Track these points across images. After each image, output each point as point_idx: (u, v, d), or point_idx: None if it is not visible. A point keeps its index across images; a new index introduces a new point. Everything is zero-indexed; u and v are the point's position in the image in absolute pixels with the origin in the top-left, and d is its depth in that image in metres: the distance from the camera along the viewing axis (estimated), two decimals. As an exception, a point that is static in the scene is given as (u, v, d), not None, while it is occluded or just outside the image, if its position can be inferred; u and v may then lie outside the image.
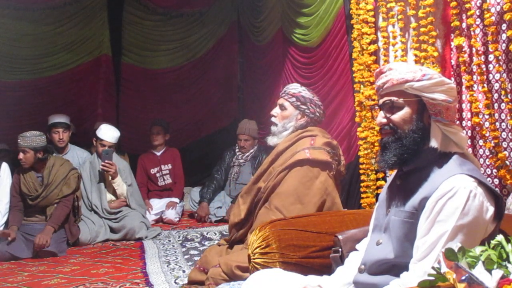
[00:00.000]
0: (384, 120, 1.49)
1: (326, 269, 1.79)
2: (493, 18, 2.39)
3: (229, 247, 2.64)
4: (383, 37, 3.20)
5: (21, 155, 3.75)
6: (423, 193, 1.39)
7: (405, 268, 1.37)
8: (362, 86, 3.41)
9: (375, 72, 1.58)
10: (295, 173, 2.45)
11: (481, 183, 1.35)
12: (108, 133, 4.29)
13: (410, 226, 1.39)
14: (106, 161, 4.15)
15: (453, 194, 1.31)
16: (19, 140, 3.75)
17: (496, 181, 2.48)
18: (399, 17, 3.07)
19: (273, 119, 2.71)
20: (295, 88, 2.71)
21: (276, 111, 2.71)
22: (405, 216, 1.42)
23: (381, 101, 1.52)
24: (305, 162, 2.45)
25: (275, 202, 2.41)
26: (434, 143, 1.44)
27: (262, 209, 2.45)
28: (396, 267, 1.41)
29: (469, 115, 2.62)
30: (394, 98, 1.47)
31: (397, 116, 1.47)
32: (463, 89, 2.64)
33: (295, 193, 2.41)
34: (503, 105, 2.41)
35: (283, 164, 2.49)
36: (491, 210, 1.34)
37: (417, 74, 1.44)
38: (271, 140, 2.70)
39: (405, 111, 1.46)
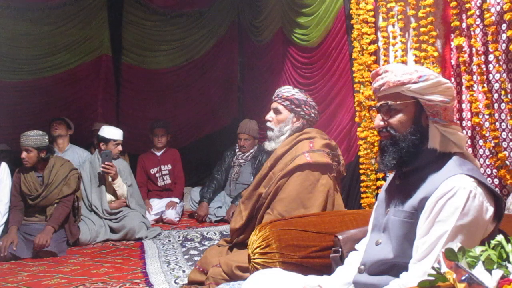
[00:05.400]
0: (382, 123, 1.49)
1: (326, 269, 1.79)
2: (493, 18, 2.39)
3: (230, 249, 2.64)
4: (383, 37, 3.20)
5: (24, 154, 3.75)
6: (422, 193, 1.39)
7: (405, 268, 1.37)
8: (362, 86, 3.41)
9: (371, 74, 1.57)
10: (297, 178, 2.43)
11: (481, 183, 1.35)
12: (116, 131, 4.34)
13: (410, 226, 1.39)
14: (106, 162, 4.14)
15: (453, 194, 1.31)
16: (22, 140, 3.74)
17: (496, 181, 2.48)
18: (399, 17, 3.07)
19: (268, 123, 2.68)
20: (287, 91, 2.66)
21: (270, 115, 2.67)
22: (404, 216, 1.42)
23: (378, 103, 1.51)
24: (306, 167, 2.43)
25: (278, 208, 2.40)
26: (433, 144, 1.43)
27: (265, 215, 2.44)
28: (395, 267, 1.41)
29: (469, 115, 2.62)
30: (390, 102, 1.46)
31: (394, 119, 1.47)
32: (463, 89, 2.64)
33: (298, 198, 2.40)
34: (503, 105, 2.41)
35: (283, 169, 2.47)
36: (491, 210, 1.34)
37: (413, 76, 1.43)
38: (268, 145, 2.67)
39: (403, 114, 1.46)
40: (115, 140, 4.27)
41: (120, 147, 4.30)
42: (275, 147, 2.62)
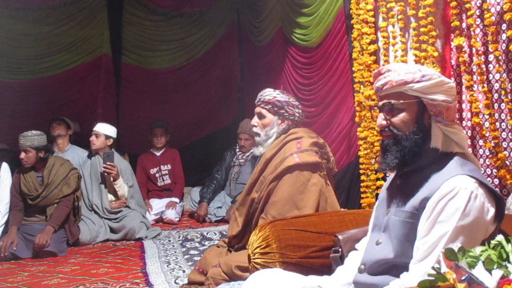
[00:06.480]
0: (384, 122, 1.49)
1: (326, 269, 1.79)
2: (493, 18, 2.39)
3: (229, 251, 2.64)
4: (383, 37, 3.20)
5: (22, 155, 3.75)
6: (424, 193, 1.38)
7: (405, 268, 1.37)
8: (362, 86, 3.41)
9: (373, 73, 1.57)
10: (287, 179, 2.43)
11: (482, 184, 1.35)
12: (101, 124, 4.38)
13: (410, 226, 1.39)
14: (108, 162, 4.15)
15: (454, 195, 1.31)
16: (20, 140, 3.75)
17: (496, 181, 2.48)
18: (399, 17, 3.07)
19: (254, 129, 2.67)
20: (269, 94, 2.64)
21: (255, 120, 2.66)
22: (405, 216, 1.42)
23: (380, 103, 1.51)
24: (295, 168, 2.43)
25: (272, 212, 2.40)
26: (435, 144, 1.43)
27: (260, 220, 2.44)
28: (396, 267, 1.41)
29: (469, 115, 2.62)
30: (393, 101, 1.46)
31: (397, 119, 1.46)
32: (463, 89, 2.64)
33: (291, 200, 2.40)
34: (503, 105, 2.41)
35: (273, 172, 2.47)
36: (491, 211, 1.34)
37: (416, 75, 1.43)
38: (257, 150, 2.66)
39: (405, 113, 1.46)
40: (92, 130, 4.34)
41: (94, 139, 4.30)
42: (264, 152, 2.62)
